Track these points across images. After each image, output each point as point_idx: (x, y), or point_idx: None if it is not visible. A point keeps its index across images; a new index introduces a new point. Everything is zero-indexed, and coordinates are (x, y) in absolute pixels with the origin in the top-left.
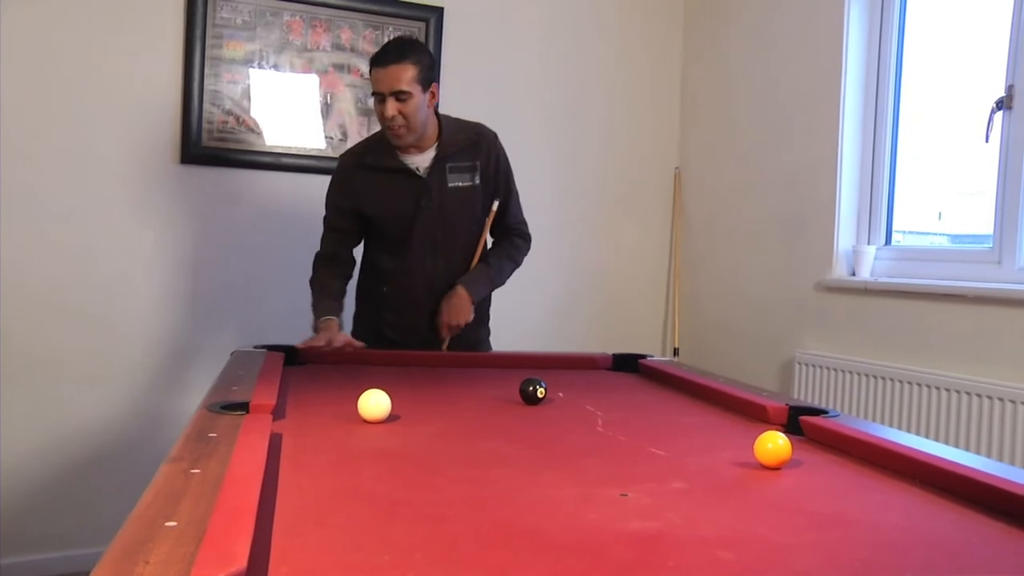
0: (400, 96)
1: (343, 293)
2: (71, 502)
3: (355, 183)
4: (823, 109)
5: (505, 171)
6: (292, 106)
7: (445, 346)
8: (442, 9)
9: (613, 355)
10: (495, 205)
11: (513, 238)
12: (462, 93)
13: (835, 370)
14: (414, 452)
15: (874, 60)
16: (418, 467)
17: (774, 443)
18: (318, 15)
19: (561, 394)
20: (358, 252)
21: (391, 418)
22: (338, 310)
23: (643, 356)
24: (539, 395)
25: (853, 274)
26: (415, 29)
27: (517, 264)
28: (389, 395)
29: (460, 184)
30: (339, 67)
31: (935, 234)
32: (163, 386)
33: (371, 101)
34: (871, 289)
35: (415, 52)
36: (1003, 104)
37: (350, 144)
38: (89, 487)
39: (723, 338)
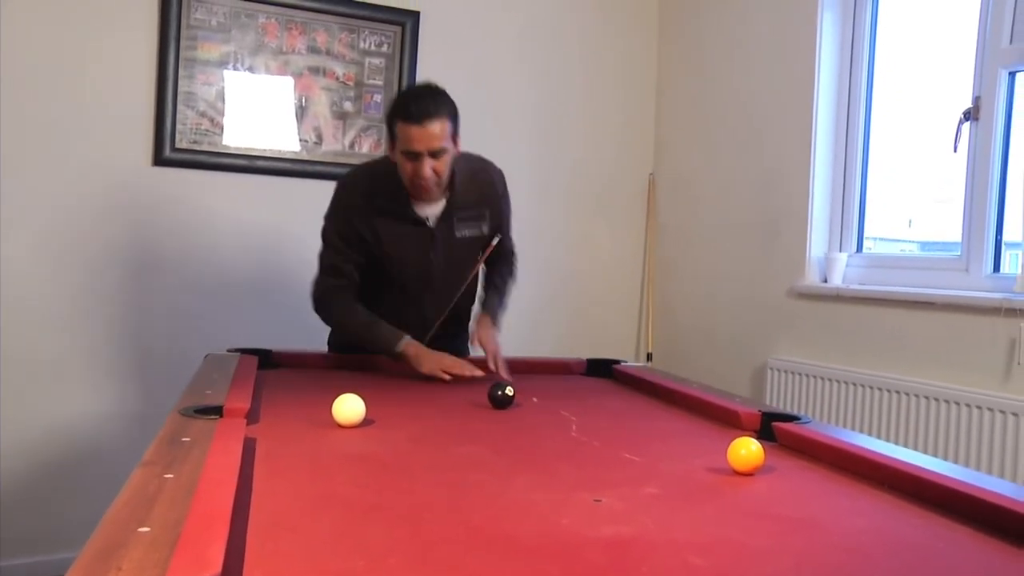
0: (437, 154)
1: None
2: (43, 506)
3: (360, 222)
4: (796, 117)
5: (508, 209)
6: (267, 109)
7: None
8: (418, 13)
9: (587, 360)
10: (495, 240)
11: (509, 258)
12: None
13: (807, 376)
14: (389, 457)
15: (846, 69)
16: (393, 472)
17: (747, 449)
18: (293, 17)
19: (535, 399)
20: None
21: (366, 422)
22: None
23: (617, 361)
24: (509, 393)
25: (825, 281)
26: (391, 33)
27: (515, 281)
28: (363, 399)
29: (468, 234)
30: (314, 70)
31: (906, 241)
32: (135, 389)
33: (346, 104)
34: (842, 296)
35: (447, 103)
36: (970, 115)
37: (325, 148)
38: (61, 491)
39: (696, 343)
